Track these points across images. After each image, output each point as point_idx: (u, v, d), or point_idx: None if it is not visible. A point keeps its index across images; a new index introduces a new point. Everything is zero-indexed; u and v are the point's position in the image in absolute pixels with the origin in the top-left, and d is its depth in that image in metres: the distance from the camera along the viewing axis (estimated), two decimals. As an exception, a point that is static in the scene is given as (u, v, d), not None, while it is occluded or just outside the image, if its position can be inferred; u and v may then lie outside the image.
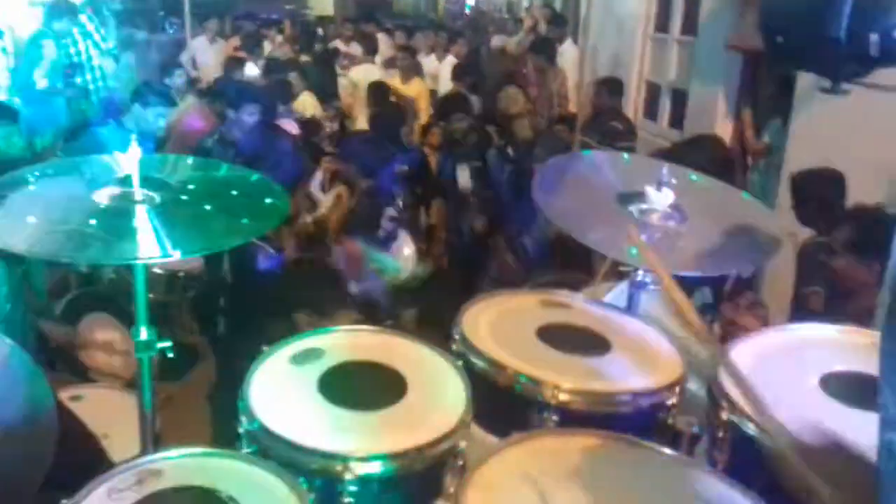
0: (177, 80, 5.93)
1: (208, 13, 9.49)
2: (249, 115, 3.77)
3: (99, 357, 2.49)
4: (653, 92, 7.05)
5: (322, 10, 16.27)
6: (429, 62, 8.34)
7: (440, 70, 8.08)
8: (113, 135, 3.96)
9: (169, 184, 1.63)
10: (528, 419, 1.51)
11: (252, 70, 6.90)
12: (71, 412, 1.84)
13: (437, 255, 4.76)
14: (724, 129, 5.64)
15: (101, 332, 2.53)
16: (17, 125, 3.28)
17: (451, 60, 8.20)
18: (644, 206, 1.89)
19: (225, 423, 1.51)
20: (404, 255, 4.10)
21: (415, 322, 3.81)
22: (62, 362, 2.60)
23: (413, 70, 7.50)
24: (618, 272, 2.23)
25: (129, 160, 1.62)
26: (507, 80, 6.37)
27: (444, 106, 6.11)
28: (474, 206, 4.67)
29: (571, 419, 1.51)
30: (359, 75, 7.79)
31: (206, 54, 8.20)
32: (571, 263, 3.07)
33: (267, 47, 8.62)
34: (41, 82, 5.48)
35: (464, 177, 4.86)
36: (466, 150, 5.00)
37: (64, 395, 2.11)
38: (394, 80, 7.23)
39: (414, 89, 7.25)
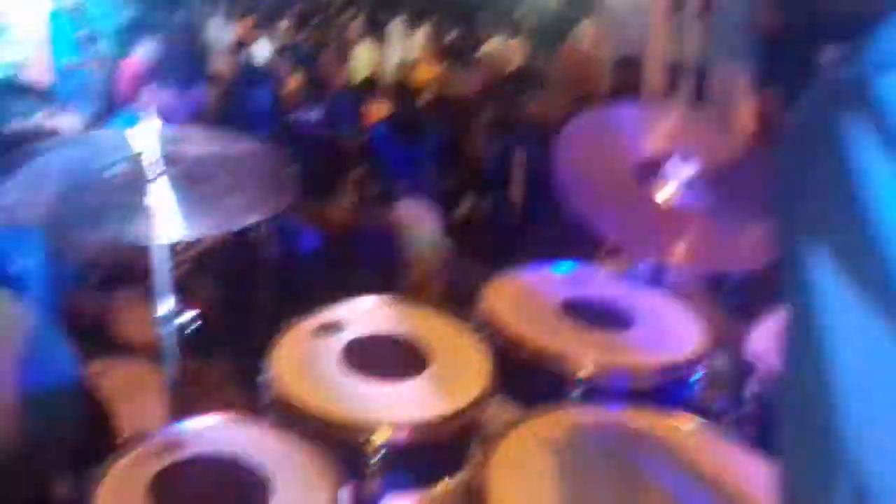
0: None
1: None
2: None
3: (132, 329, 2.48)
4: (671, 71, 6.97)
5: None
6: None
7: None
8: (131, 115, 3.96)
9: (185, 159, 1.61)
10: (552, 393, 1.50)
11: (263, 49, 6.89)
12: (90, 384, 1.85)
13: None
14: (747, 107, 5.57)
15: (135, 302, 2.52)
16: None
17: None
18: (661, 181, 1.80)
19: (249, 395, 1.51)
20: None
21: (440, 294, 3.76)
22: (92, 334, 2.59)
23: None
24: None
25: (145, 135, 1.60)
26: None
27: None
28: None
29: (596, 393, 1.50)
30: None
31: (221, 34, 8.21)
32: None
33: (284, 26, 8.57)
34: (68, 60, 5.50)
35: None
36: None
37: (91, 367, 2.11)
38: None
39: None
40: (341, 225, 3.05)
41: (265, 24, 7.89)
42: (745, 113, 5.55)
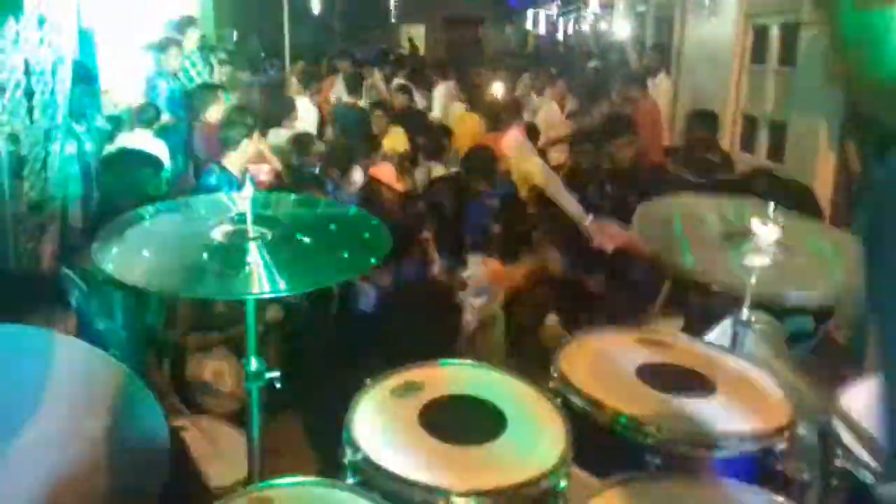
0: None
1: (304, 54, 9.85)
2: None
3: (206, 387, 2.58)
4: (749, 124, 6.89)
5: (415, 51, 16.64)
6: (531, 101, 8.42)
7: (543, 107, 8.09)
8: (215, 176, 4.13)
9: (279, 221, 1.68)
10: (629, 461, 1.48)
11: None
12: (178, 438, 1.92)
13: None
14: (826, 162, 5.45)
15: (211, 363, 2.63)
16: (161, 175, 3.40)
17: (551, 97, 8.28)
18: (751, 243, 1.84)
19: (327, 454, 1.54)
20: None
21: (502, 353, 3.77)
22: (168, 391, 2.70)
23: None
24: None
25: (242, 198, 1.68)
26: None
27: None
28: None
29: (674, 462, 1.48)
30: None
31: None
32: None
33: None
34: (164, 118, 5.74)
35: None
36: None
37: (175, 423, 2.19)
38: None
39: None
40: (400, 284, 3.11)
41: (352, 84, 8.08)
42: (823, 167, 5.42)
